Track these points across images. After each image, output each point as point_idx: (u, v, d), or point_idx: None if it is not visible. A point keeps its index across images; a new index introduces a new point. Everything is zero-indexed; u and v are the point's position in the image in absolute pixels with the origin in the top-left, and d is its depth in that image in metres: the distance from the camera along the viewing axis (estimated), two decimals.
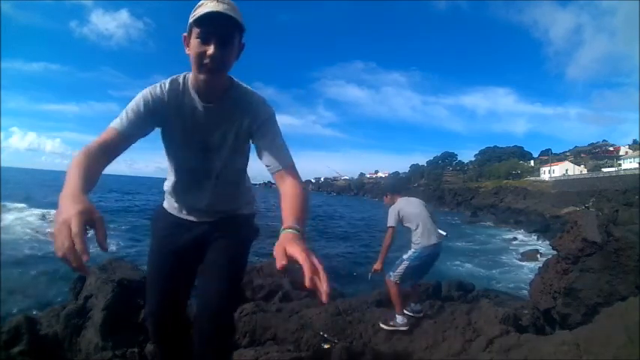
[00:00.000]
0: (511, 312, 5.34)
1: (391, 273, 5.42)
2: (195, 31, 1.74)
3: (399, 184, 6.69)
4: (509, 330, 4.54)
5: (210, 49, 1.72)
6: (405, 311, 5.43)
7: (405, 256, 5.46)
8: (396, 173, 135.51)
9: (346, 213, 53.20)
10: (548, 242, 32.49)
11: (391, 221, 5.60)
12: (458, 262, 20.92)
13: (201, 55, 1.75)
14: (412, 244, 5.52)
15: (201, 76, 1.82)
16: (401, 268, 5.39)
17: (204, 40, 1.73)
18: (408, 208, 5.66)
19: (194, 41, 1.75)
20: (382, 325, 5.35)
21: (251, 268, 8.90)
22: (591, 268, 5.28)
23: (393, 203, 5.82)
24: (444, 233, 5.75)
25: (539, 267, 6.89)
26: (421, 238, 5.42)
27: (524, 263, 23.77)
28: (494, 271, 20.25)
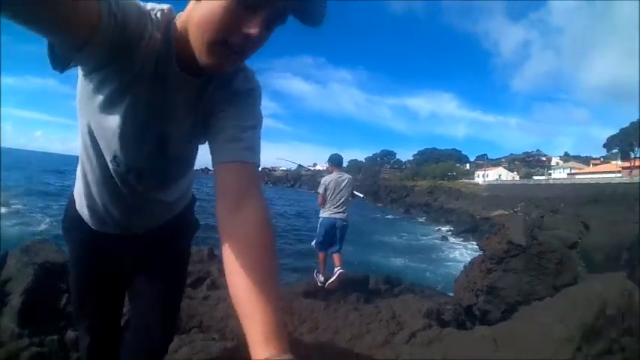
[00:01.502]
0: (434, 307, 5.46)
1: (314, 241, 6.88)
2: None
3: (338, 160, 7.20)
4: (432, 324, 4.63)
5: (256, 27, 0.95)
6: (326, 277, 6.62)
7: (318, 225, 6.81)
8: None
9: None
10: (475, 242, 33.70)
11: (320, 188, 6.77)
12: (389, 257, 21.31)
13: (234, 30, 0.96)
14: (321, 213, 6.80)
15: (213, 60, 1.03)
16: (317, 236, 6.78)
17: (254, 9, 0.94)
18: (335, 181, 6.70)
19: (228, 2, 0.93)
20: (314, 275, 6.78)
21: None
22: (514, 268, 5.49)
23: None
24: (345, 218, 6.75)
25: (466, 265, 7.11)
26: (325, 209, 6.70)
27: (451, 262, 24.51)
28: (422, 266, 20.74)
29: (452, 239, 34.51)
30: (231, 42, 0.99)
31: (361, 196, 8.07)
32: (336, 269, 6.73)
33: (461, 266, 21.76)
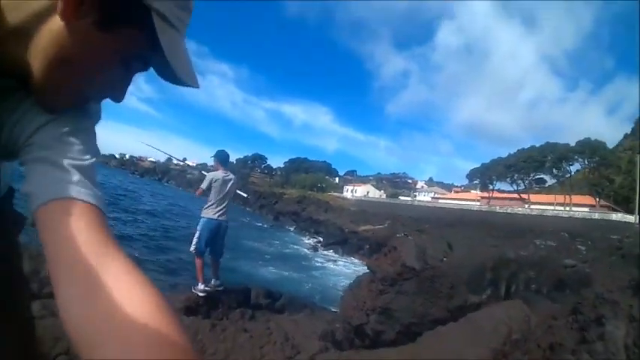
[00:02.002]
0: (328, 329, 5.44)
1: (191, 246, 6.46)
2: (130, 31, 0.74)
3: (226, 158, 7.06)
4: (328, 346, 4.56)
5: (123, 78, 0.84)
6: (207, 287, 6.43)
7: (198, 227, 6.48)
8: (204, 165, 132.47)
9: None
10: (344, 254, 34.57)
11: (204, 183, 6.54)
12: (261, 265, 21.26)
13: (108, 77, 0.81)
14: (202, 212, 6.54)
15: (67, 100, 0.81)
16: (195, 238, 6.41)
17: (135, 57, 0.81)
18: (223, 179, 6.52)
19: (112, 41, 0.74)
20: (192, 289, 6.46)
21: (37, 253, 7.94)
22: (407, 291, 5.57)
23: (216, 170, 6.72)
24: (226, 219, 6.68)
25: (350, 282, 7.12)
26: (209, 209, 6.44)
27: (324, 273, 24.89)
28: (296, 276, 20.86)
29: (321, 250, 35.11)
30: (108, 91, 0.86)
31: (245, 195, 7.91)
32: (213, 281, 6.64)
33: (335, 279, 22.33)
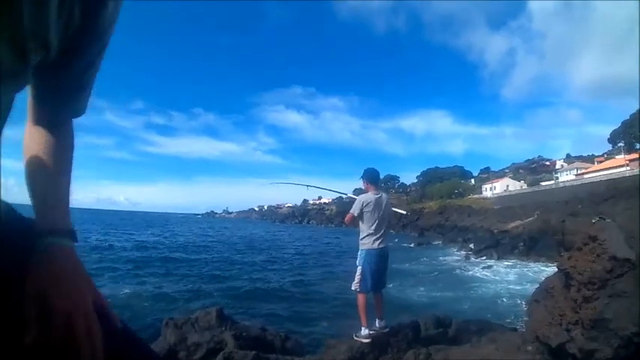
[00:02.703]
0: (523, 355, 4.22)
1: (353, 285, 5.75)
2: None
3: (376, 176, 6.25)
4: None
5: None
6: (372, 330, 5.68)
7: (357, 261, 5.81)
8: (340, 198, 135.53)
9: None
10: (499, 258, 32.36)
11: (355, 208, 5.84)
12: (414, 286, 19.99)
13: None
14: (360, 244, 5.85)
15: None
16: (357, 276, 5.70)
17: None
18: (376, 201, 5.82)
19: None
20: (354, 337, 5.69)
21: (184, 320, 7.62)
22: (623, 291, 4.11)
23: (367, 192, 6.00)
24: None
25: (535, 291, 5.75)
26: (368, 238, 5.74)
27: (485, 282, 23.19)
28: (459, 294, 19.39)
29: (474, 258, 33.25)
30: None
31: (404, 213, 7.31)
32: (378, 323, 5.87)
33: (497, 288, 20.62)
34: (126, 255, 30.61)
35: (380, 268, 5.77)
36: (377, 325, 5.80)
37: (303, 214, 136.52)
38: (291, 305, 18.39)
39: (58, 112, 0.98)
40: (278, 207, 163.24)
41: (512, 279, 23.52)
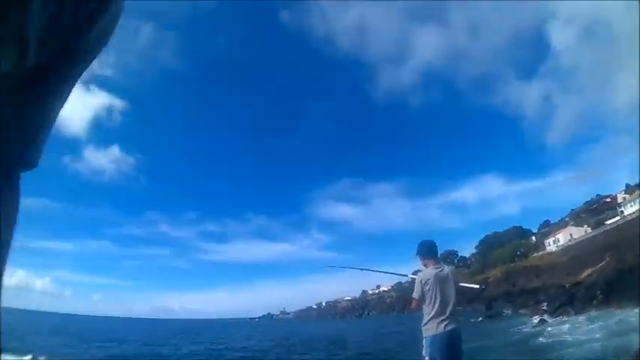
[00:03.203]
0: None
1: None
2: None
3: (433, 248, 5.48)
4: None
5: None
6: None
7: (423, 352, 4.93)
8: (399, 284, 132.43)
9: None
10: (576, 313, 29.23)
11: (415, 292, 5.13)
12: None
13: None
14: (423, 330, 4.97)
15: None
16: None
17: None
18: (436, 276, 5.04)
19: None
20: None
21: None
22: None
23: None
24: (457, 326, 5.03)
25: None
26: (431, 322, 4.86)
27: (570, 345, 20.54)
28: None
29: (550, 320, 30.30)
30: None
31: (477, 287, 6.76)
32: None
33: (583, 349, 17.79)
34: None
35: (452, 354, 4.86)
36: None
37: (362, 305, 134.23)
38: None
39: (8, 158, 0.69)
40: (336, 302, 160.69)
41: (599, 335, 20.83)
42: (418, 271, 5.38)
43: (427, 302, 4.94)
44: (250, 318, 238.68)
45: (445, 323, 4.81)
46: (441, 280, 5.01)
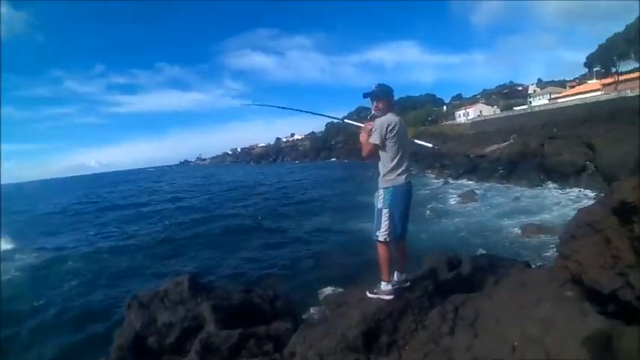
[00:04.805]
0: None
1: (376, 232, 4.60)
2: None
3: (391, 92, 4.81)
4: None
5: None
6: (392, 285, 4.70)
7: (379, 204, 4.60)
8: (313, 133, 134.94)
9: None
10: (475, 181, 32.34)
11: (375, 137, 4.49)
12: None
13: None
14: (382, 181, 4.60)
15: None
16: (384, 221, 4.55)
17: None
18: (398, 125, 4.52)
19: None
20: (368, 294, 4.77)
21: (151, 296, 6.68)
22: None
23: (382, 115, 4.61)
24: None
25: (569, 225, 4.65)
26: (394, 172, 4.53)
27: (465, 205, 23.06)
28: (445, 224, 19.11)
29: (453, 182, 33.45)
30: None
31: (430, 146, 6.46)
32: (397, 275, 4.91)
33: (490, 215, 20.21)
34: None
35: (407, 207, 4.69)
36: (395, 277, 4.85)
37: (276, 152, 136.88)
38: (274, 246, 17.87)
39: None
40: (251, 148, 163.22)
41: (498, 202, 23.39)
42: (375, 116, 4.76)
43: (389, 150, 4.52)
44: (168, 166, 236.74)
45: (406, 175, 4.59)
46: (402, 129, 4.60)
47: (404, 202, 4.59)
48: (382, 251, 4.61)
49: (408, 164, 4.63)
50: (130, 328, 6.43)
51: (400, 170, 4.51)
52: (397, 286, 4.73)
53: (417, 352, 3.92)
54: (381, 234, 4.55)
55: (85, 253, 19.82)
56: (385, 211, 4.53)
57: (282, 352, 4.87)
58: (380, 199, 4.58)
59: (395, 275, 4.85)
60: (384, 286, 4.66)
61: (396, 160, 4.49)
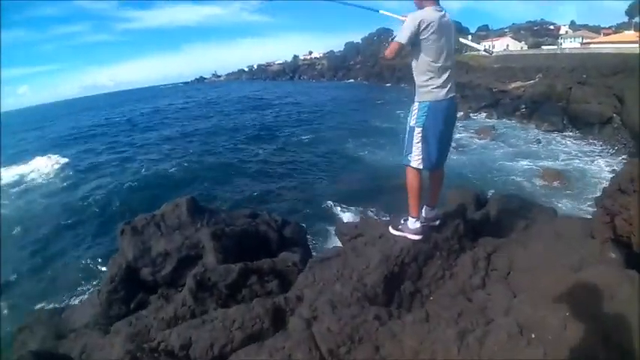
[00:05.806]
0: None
1: (407, 156, 3.77)
2: None
3: None
4: None
5: None
6: (423, 223, 4.01)
7: (411, 121, 3.70)
8: (331, 52, 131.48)
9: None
10: (498, 117, 31.81)
11: (402, 35, 3.50)
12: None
13: None
14: (418, 93, 3.70)
15: None
16: (416, 142, 3.70)
17: None
18: (437, 23, 3.46)
19: None
20: (391, 230, 4.08)
21: (147, 221, 6.27)
22: None
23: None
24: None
25: (618, 176, 4.14)
26: (432, 84, 3.60)
27: (482, 141, 22.82)
28: (470, 157, 18.92)
29: (473, 116, 32.85)
30: None
31: (482, 49, 4.98)
32: (427, 211, 4.15)
33: (503, 152, 19.98)
34: None
35: (449, 129, 3.82)
36: (424, 213, 4.10)
37: (293, 70, 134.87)
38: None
39: None
40: (268, 65, 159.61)
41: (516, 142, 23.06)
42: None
43: (425, 54, 3.57)
44: (183, 83, 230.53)
45: (448, 88, 3.64)
46: (446, 28, 3.58)
47: (443, 121, 3.67)
48: (412, 180, 3.84)
49: (451, 75, 3.68)
50: (122, 257, 6.04)
51: (440, 82, 3.60)
52: (425, 224, 4.07)
53: (449, 310, 3.28)
54: (413, 159, 3.75)
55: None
56: (418, 130, 3.67)
57: (287, 294, 4.10)
58: (413, 114, 3.72)
59: (424, 211, 4.12)
60: (412, 223, 3.94)
61: (433, 69, 3.58)
